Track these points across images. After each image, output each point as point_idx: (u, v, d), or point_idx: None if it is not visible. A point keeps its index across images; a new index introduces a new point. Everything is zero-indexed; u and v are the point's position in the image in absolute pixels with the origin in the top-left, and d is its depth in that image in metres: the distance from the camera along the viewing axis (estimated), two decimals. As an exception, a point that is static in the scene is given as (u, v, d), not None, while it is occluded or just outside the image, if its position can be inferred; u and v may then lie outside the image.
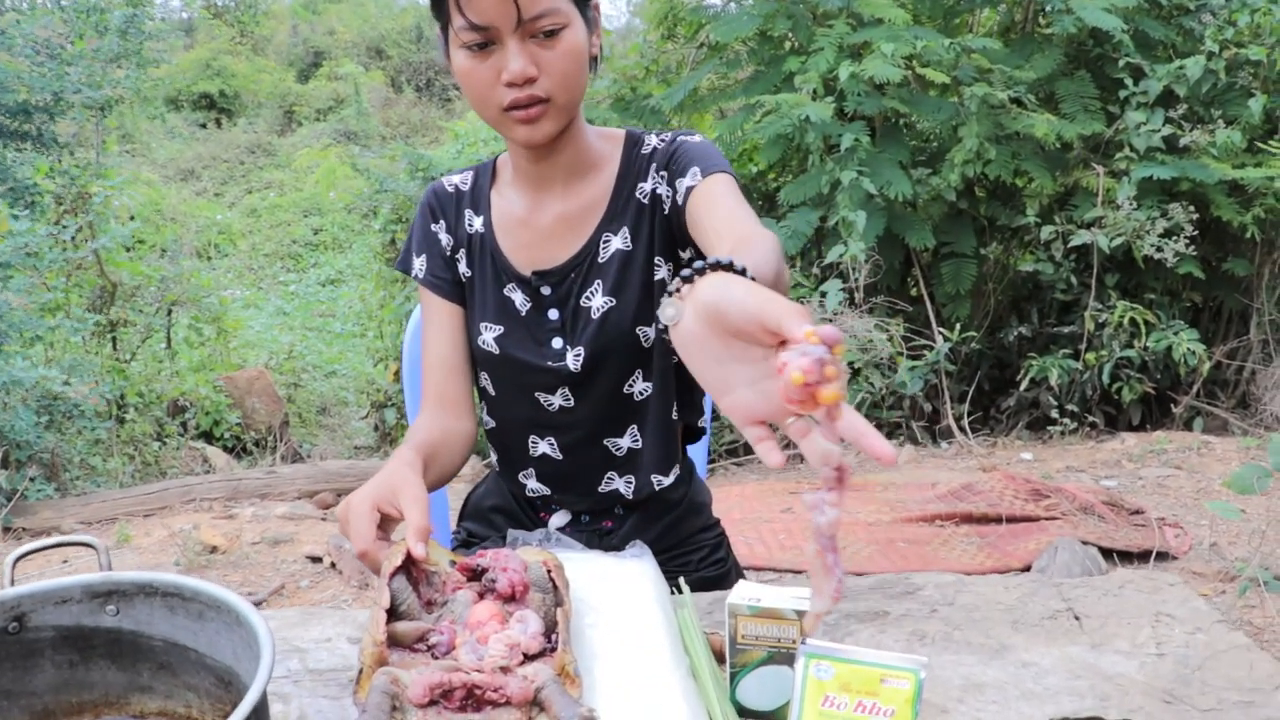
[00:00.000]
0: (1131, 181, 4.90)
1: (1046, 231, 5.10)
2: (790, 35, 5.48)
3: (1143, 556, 3.48)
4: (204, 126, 18.04)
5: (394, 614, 1.01)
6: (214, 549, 3.69)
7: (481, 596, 1.06)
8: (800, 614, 1.00)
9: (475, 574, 1.08)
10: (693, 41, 6.17)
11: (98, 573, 0.98)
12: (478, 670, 0.94)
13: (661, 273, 1.43)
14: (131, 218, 7.94)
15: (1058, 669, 1.14)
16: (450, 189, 1.52)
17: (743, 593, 1.03)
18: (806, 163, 5.27)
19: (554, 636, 1.00)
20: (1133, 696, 1.08)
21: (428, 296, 1.50)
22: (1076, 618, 1.25)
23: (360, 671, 0.94)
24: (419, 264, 1.51)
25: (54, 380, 4.36)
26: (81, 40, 6.35)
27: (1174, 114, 4.99)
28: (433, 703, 0.91)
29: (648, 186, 1.42)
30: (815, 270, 5.24)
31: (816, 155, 5.05)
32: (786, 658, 1.01)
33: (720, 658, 1.08)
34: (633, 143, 1.45)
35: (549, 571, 1.04)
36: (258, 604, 3.26)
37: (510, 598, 1.04)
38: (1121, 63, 5.05)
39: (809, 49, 5.15)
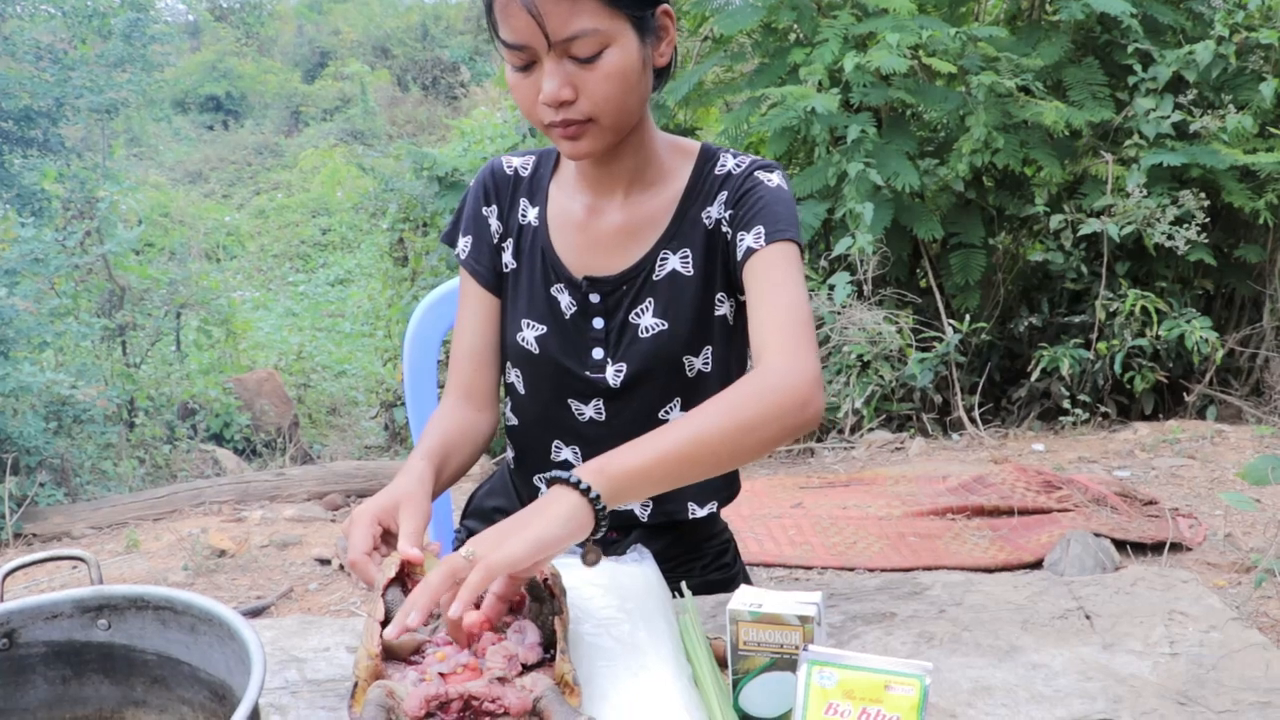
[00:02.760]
0: (1141, 169, 4.85)
1: (1056, 221, 5.06)
2: (795, 27, 5.43)
3: (1156, 548, 3.45)
4: (211, 129, 18.08)
5: (389, 626, 0.99)
6: (223, 553, 3.69)
7: (478, 606, 1.04)
8: (804, 620, 0.98)
9: (472, 583, 1.06)
10: (697, 34, 6.14)
11: (88, 587, 0.96)
12: (471, 669, 0.93)
13: (723, 309, 1.39)
14: (140, 222, 7.95)
15: (1068, 670, 1.12)
16: (509, 171, 1.47)
17: (744, 598, 1.01)
18: (813, 155, 5.23)
19: (552, 646, 0.98)
20: (1146, 698, 1.06)
21: (467, 281, 1.47)
22: (1087, 617, 1.23)
23: (355, 685, 0.92)
24: (464, 244, 1.47)
25: (62, 384, 4.36)
26: (85, 45, 6.36)
27: (1184, 100, 4.94)
28: (429, 715, 0.89)
29: (714, 213, 1.36)
30: (823, 263, 5.21)
31: (823, 147, 5.02)
32: (789, 664, 0.99)
33: (723, 663, 1.06)
34: (706, 159, 1.39)
35: (545, 581, 1.02)
36: (265, 608, 3.26)
37: (509, 607, 1.02)
38: (1130, 49, 5.00)
39: (814, 40, 5.12)
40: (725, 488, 1.53)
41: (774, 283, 1.26)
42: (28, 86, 5.58)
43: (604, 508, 1.02)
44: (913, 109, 5.36)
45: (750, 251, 1.29)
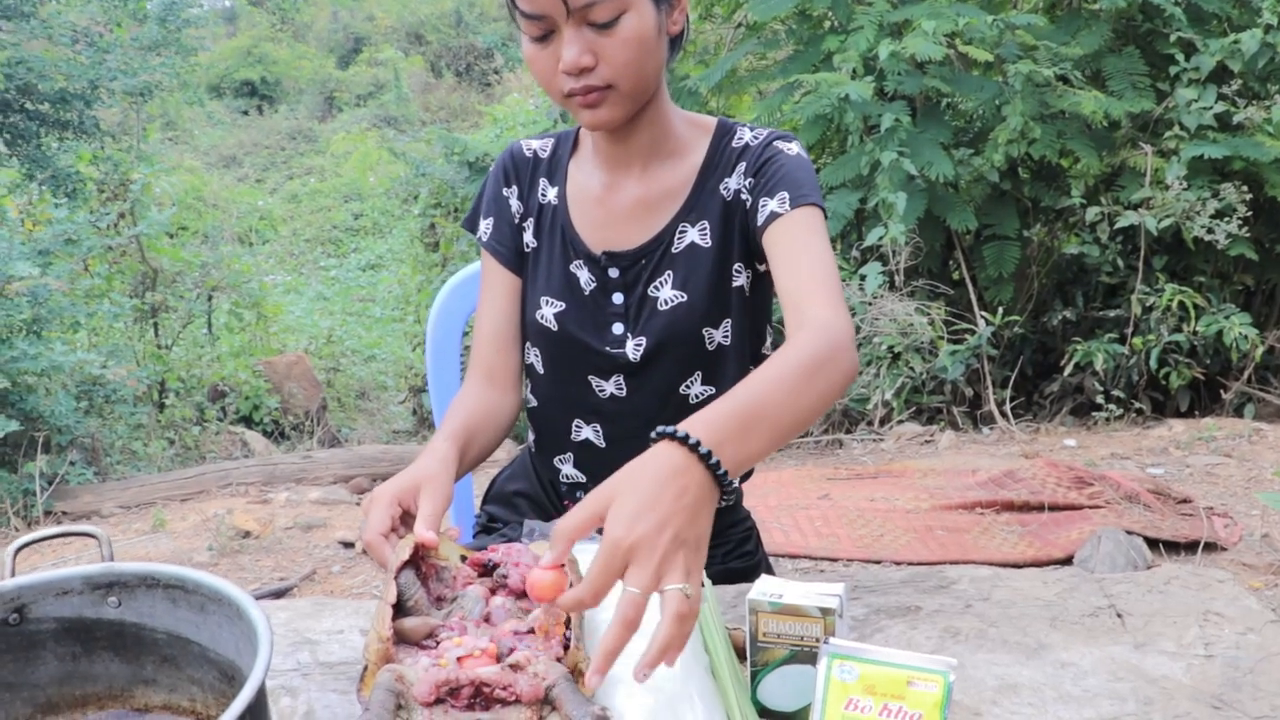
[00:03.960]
0: (1181, 161, 4.77)
1: (1092, 213, 4.98)
2: (829, 14, 5.38)
3: (1190, 547, 3.38)
4: (246, 114, 18.22)
5: (401, 609, 0.98)
6: (247, 534, 3.70)
7: (493, 592, 1.02)
8: (825, 612, 0.95)
9: (487, 569, 1.04)
10: (730, 21, 6.09)
11: (99, 564, 0.95)
12: (486, 655, 0.91)
13: (740, 280, 1.38)
14: (173, 204, 8.00)
15: (1098, 670, 1.08)
16: (528, 153, 1.47)
17: (764, 588, 0.99)
18: (846, 144, 5.18)
19: (566, 632, 0.96)
20: (1178, 701, 1.03)
21: (489, 262, 1.47)
22: (1119, 615, 1.20)
23: (365, 668, 0.91)
24: (485, 226, 1.47)
25: (93, 364, 4.39)
26: (121, 28, 6.39)
27: (1227, 90, 4.84)
28: (439, 701, 0.87)
29: (733, 184, 1.36)
30: (855, 253, 5.16)
31: (856, 136, 4.97)
32: (810, 657, 0.96)
33: (742, 654, 1.04)
34: (723, 133, 1.39)
35: (560, 566, 1.00)
36: (288, 590, 3.27)
37: (523, 593, 1.00)
38: (1173, 38, 4.90)
39: (848, 27, 5.06)
40: None
41: (804, 243, 1.25)
42: (63, 69, 5.62)
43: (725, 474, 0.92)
44: (948, 98, 5.29)
45: (774, 216, 1.28)
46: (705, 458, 0.89)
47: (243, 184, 14.99)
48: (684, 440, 0.90)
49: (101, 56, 5.76)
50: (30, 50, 5.53)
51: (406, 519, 1.13)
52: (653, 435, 0.92)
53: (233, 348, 7.16)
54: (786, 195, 1.28)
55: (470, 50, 18.92)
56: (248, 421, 6.45)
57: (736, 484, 0.92)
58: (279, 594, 3.21)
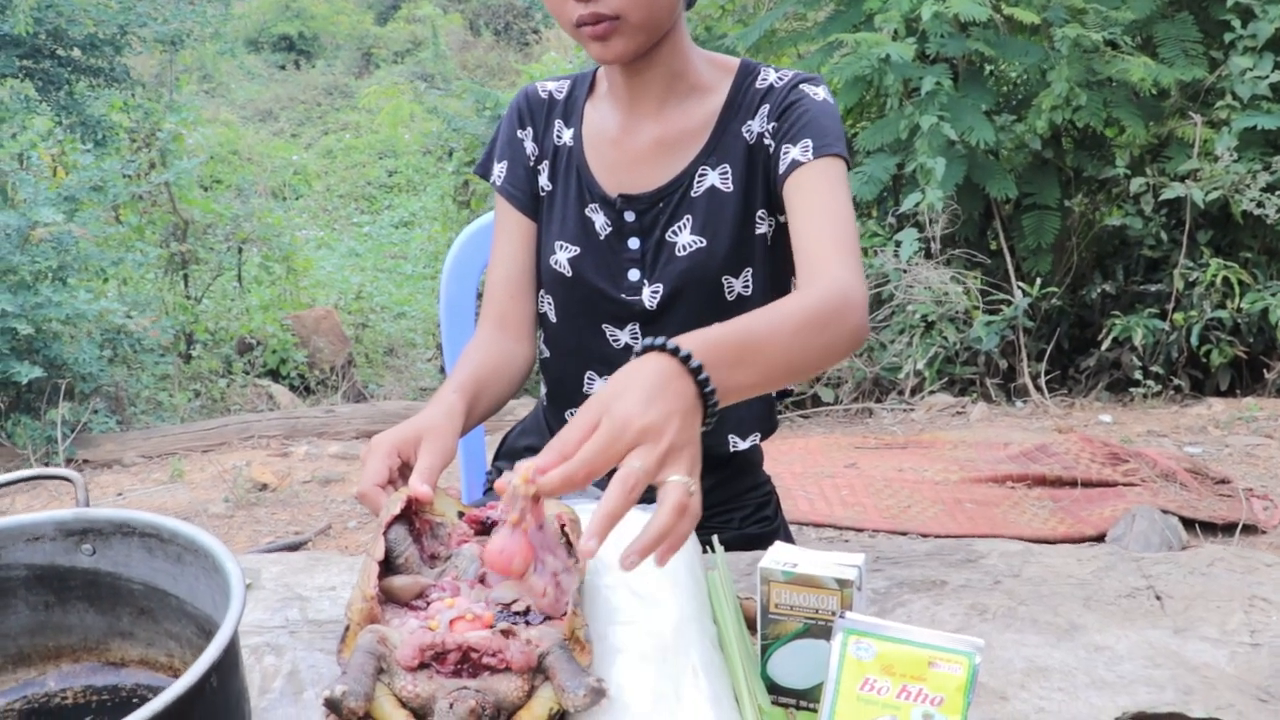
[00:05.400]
0: (1232, 132, 4.61)
1: (1137, 184, 4.84)
2: (872, -28, 5.24)
3: (1227, 529, 3.29)
4: (283, 68, 18.17)
5: (391, 567, 0.92)
6: (264, 486, 3.68)
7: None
8: (842, 584, 0.88)
9: (484, 527, 0.98)
10: (770, -21, 5.96)
11: (70, 509, 0.90)
12: (480, 620, 0.85)
13: (763, 228, 1.32)
14: (204, 155, 7.98)
15: (1134, 655, 1.01)
16: (544, 95, 1.42)
17: (778, 556, 0.92)
18: (885, 107, 5.06)
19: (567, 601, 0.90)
20: (1221, 691, 0.95)
21: (503, 207, 1.42)
22: (1158, 597, 1.12)
23: (346, 628, 0.85)
24: (499, 170, 1.42)
25: (116, 313, 4.38)
26: (153, -28, 6.34)
27: (1284, 59, 4.68)
28: (423, 665, 0.82)
29: (755, 126, 1.30)
30: (891, 219, 5.06)
31: (895, 99, 4.85)
32: (824, 631, 0.90)
33: (753, 626, 0.97)
34: (746, 73, 1.33)
35: (563, 527, 0.93)
36: (303, 543, 3.24)
37: (520, 553, 0.94)
38: (1229, 3, 4.73)
39: (891, -13, 4.93)
40: (765, 418, 1.45)
41: (825, 197, 1.20)
42: (92, 14, 5.57)
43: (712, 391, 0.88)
44: (991, 62, 5.15)
45: (796, 164, 1.22)
46: (695, 371, 0.87)
47: (278, 138, 14.96)
48: (674, 353, 0.87)
49: (131, 2, 5.71)
50: (61, -6, 5.49)
51: (406, 471, 1.07)
52: (638, 349, 0.88)
53: (262, 301, 7.14)
54: (810, 143, 1.23)
55: (509, 9, 18.75)
56: (274, 375, 6.44)
57: (717, 410, 0.88)
58: (293, 548, 3.19)
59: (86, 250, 4.58)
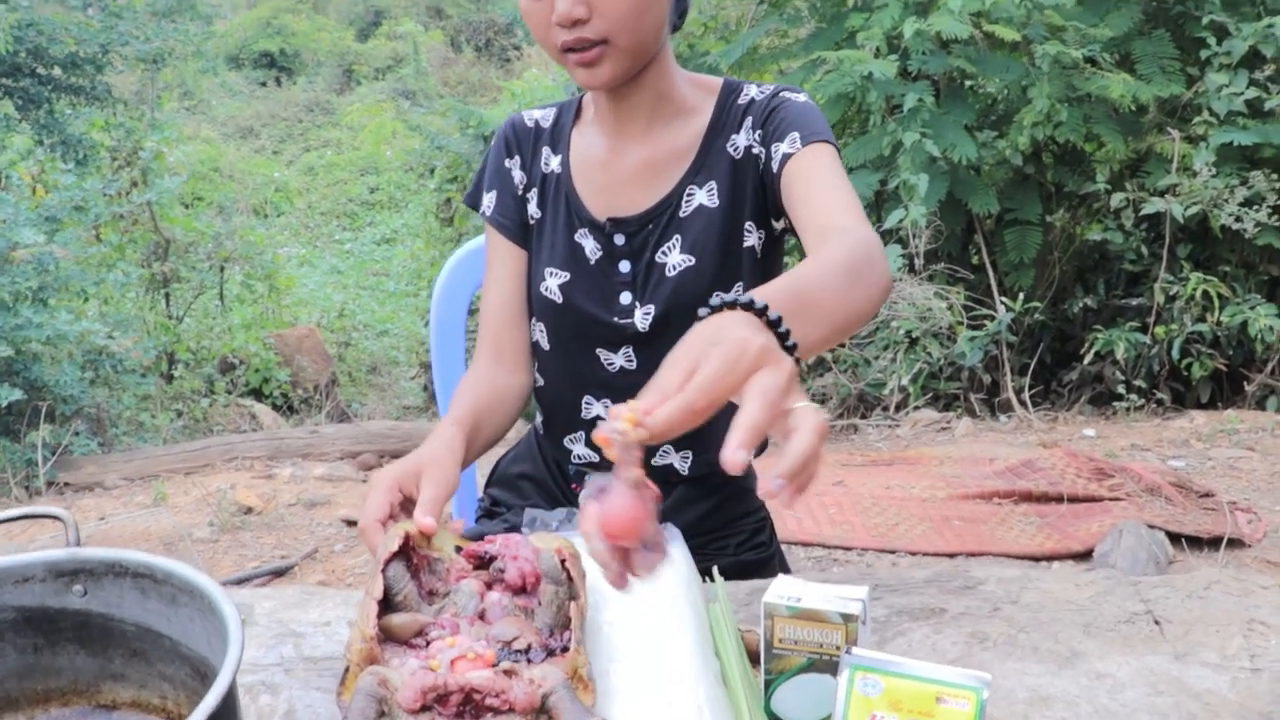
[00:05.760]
0: (1210, 147, 4.65)
1: (1117, 199, 4.87)
2: (853, -10, 5.28)
3: (1213, 543, 3.30)
4: (264, 85, 18.12)
5: (389, 604, 0.91)
6: (249, 510, 3.65)
7: (490, 586, 0.95)
8: (847, 618, 0.88)
9: (483, 562, 0.97)
10: (752, -3, 5.98)
11: (63, 549, 0.88)
12: (482, 659, 0.84)
13: (751, 240, 1.32)
14: (186, 174, 7.94)
15: (1136, 682, 1.01)
16: (530, 123, 1.43)
17: (781, 590, 0.91)
18: (868, 124, 5.08)
19: (566, 634, 0.89)
20: (1223, 718, 0.95)
21: (493, 237, 1.42)
22: (1156, 622, 1.12)
23: (346, 669, 0.84)
24: (488, 200, 1.42)
25: (98, 334, 4.34)
26: (135, -9, 6.31)
27: (1260, 76, 4.72)
28: (425, 708, 0.80)
29: (741, 141, 1.31)
30: (874, 235, 5.07)
31: (878, 115, 4.87)
32: (829, 666, 0.89)
33: (755, 659, 0.97)
34: (729, 91, 1.34)
35: (563, 561, 0.93)
36: (289, 568, 3.21)
37: (521, 589, 0.93)
38: (1204, 20, 4.78)
39: (872, 5, 4.95)
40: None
41: (824, 175, 1.21)
42: (74, 33, 5.54)
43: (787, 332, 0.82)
44: (972, 78, 5.19)
45: (788, 157, 1.24)
46: (775, 324, 0.80)
47: (259, 155, 14.91)
48: (747, 306, 0.80)
49: (113, 21, 5.68)
50: (41, 14, 5.45)
51: (408, 505, 1.06)
52: (703, 310, 0.81)
53: (244, 319, 7.11)
54: (797, 135, 1.25)
55: (490, 25, 18.77)
56: (257, 394, 6.41)
57: (799, 363, 0.82)
58: (279, 572, 3.16)
59: (67, 270, 4.54)
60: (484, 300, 1.43)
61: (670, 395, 0.73)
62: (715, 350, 0.74)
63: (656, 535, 0.75)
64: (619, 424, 0.72)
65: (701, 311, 0.81)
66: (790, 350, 0.80)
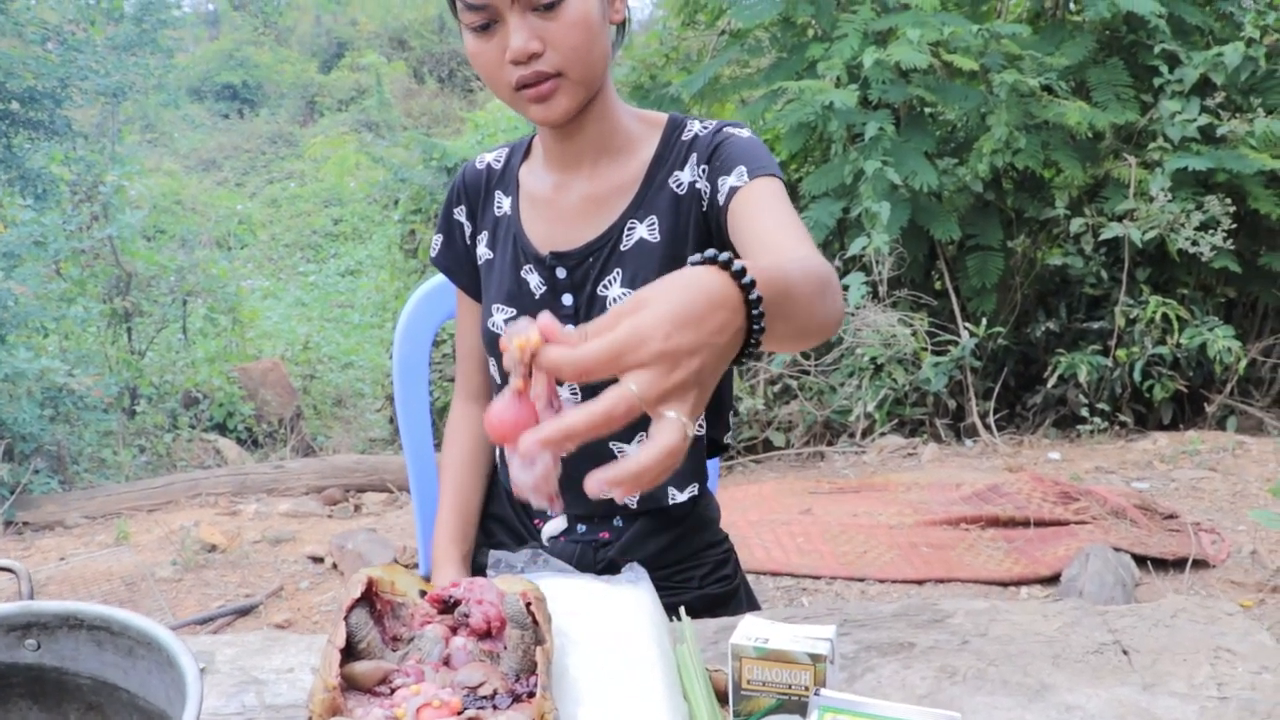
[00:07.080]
0: (1165, 172, 4.73)
1: (1076, 224, 4.94)
2: (813, 21, 5.33)
3: (1178, 564, 3.33)
4: (226, 117, 18.04)
5: (352, 652, 0.89)
6: (213, 547, 3.60)
7: (454, 631, 0.94)
8: (815, 659, 0.87)
9: (447, 606, 0.96)
10: (713, 28, 6.03)
11: (15, 603, 0.86)
12: (448, 707, 0.82)
13: None
14: (148, 207, 7.88)
15: (1105, 714, 1.01)
16: (481, 167, 1.46)
17: (749, 631, 0.91)
18: (829, 152, 5.13)
19: (532, 679, 0.88)
20: (1192, 749, 0.95)
21: (452, 283, 1.49)
22: (1124, 652, 1.12)
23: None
24: (436, 243, 1.49)
25: (58, 371, 4.28)
26: (96, 27, 6.27)
27: (1211, 103, 4.81)
28: (389, 759, 0.79)
29: (685, 177, 1.32)
30: (838, 263, 5.10)
31: (839, 144, 4.91)
32: (798, 706, 0.88)
33: (724, 699, 0.96)
34: (673, 127, 1.35)
35: (528, 605, 0.92)
36: (254, 607, 3.16)
37: (486, 634, 0.92)
38: (1156, 49, 4.87)
39: (832, 35, 5.01)
40: (695, 472, 1.43)
41: (771, 206, 1.21)
42: (32, 67, 5.49)
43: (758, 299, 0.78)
44: (932, 107, 5.25)
45: (734, 190, 1.25)
46: (752, 305, 0.77)
47: (222, 188, 14.83)
48: (736, 275, 0.76)
49: (72, 55, 5.64)
50: (-1, 48, 5.41)
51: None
52: (693, 259, 0.78)
53: (208, 353, 7.04)
54: (744, 169, 1.26)
55: (453, 56, 18.82)
56: (221, 429, 6.33)
57: (755, 354, 0.79)
58: (244, 611, 3.11)
59: (26, 307, 4.48)
60: (457, 343, 1.50)
61: (600, 332, 0.73)
62: (628, 325, 0.72)
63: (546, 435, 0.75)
64: (512, 342, 0.75)
65: (693, 258, 0.78)
66: (755, 335, 0.78)
